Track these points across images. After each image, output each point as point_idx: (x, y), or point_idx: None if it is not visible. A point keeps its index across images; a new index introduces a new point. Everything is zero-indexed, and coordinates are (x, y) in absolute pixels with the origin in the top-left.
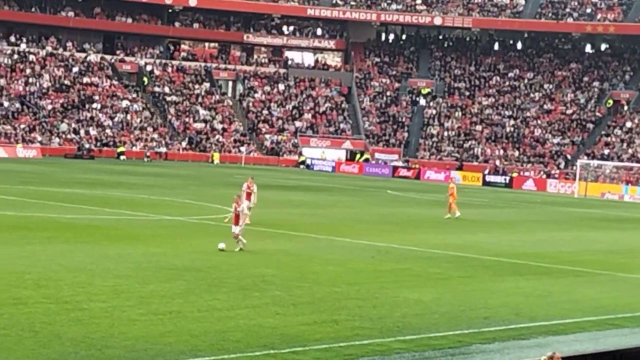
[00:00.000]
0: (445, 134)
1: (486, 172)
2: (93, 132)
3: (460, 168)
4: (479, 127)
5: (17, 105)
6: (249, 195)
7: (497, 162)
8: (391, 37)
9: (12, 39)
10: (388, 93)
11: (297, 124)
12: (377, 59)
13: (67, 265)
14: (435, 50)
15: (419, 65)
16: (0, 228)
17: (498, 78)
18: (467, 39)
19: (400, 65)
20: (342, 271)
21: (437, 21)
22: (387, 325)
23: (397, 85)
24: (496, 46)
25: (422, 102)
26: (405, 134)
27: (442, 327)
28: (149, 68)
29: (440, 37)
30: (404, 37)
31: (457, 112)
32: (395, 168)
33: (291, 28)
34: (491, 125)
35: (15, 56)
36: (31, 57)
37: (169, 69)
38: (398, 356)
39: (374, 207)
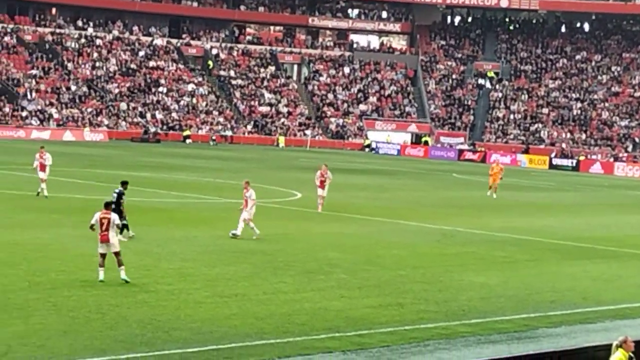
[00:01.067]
0: (512, 117)
1: (553, 155)
2: (159, 115)
3: (526, 151)
4: (545, 110)
5: (85, 89)
6: (322, 183)
7: (564, 145)
8: (457, 19)
9: (79, 23)
10: (454, 76)
11: (362, 107)
12: (443, 42)
13: (134, 248)
14: (502, 33)
15: (485, 47)
16: (68, 211)
17: (565, 60)
18: (534, 21)
19: (466, 48)
20: (407, 254)
21: (504, 3)
22: (452, 308)
23: (462, 68)
24: (563, 28)
25: (488, 85)
26: (471, 117)
27: (508, 310)
28: (214, 52)
29: (507, 19)
30: (469, 19)
31: (524, 95)
32: (461, 151)
33: (356, 11)
34: (558, 108)
35: (82, 40)
36: (98, 42)
37: (235, 53)
38: (463, 340)
39: (439, 190)
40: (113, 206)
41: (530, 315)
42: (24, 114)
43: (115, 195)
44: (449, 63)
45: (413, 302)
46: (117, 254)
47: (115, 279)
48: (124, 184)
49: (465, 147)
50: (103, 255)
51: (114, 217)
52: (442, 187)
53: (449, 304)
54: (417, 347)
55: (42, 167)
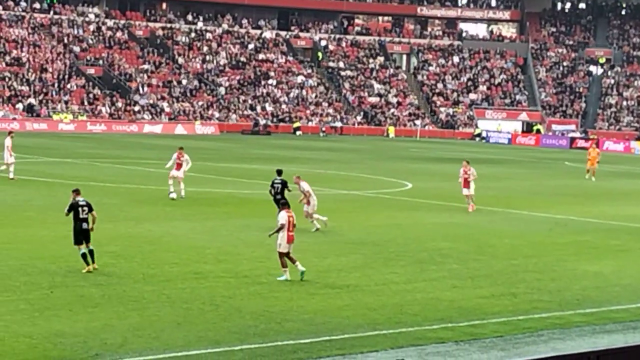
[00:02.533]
0: (624, 103)
1: None
2: (269, 108)
3: (639, 138)
4: None
5: (195, 82)
6: (179, 165)
7: None
8: (567, 5)
9: (189, 17)
10: (564, 63)
11: (472, 96)
12: (553, 29)
13: (246, 240)
14: (613, 18)
15: (596, 34)
16: (180, 204)
17: None
18: None
19: (576, 34)
20: (520, 244)
21: None
22: (566, 298)
23: (573, 55)
24: None
25: (600, 71)
26: (583, 105)
27: (624, 299)
28: (323, 43)
29: (618, 4)
30: (580, 5)
31: (636, 81)
32: (572, 139)
33: (465, 0)
34: None
35: (193, 34)
36: (208, 35)
37: (343, 44)
38: (578, 329)
39: (551, 179)
40: (279, 197)
41: None
42: (136, 108)
43: (279, 186)
44: (560, 50)
45: (526, 291)
46: (289, 253)
47: (229, 270)
48: (280, 172)
49: (577, 134)
50: (286, 255)
51: (293, 214)
52: (554, 176)
53: (562, 294)
54: (530, 337)
55: (178, 167)
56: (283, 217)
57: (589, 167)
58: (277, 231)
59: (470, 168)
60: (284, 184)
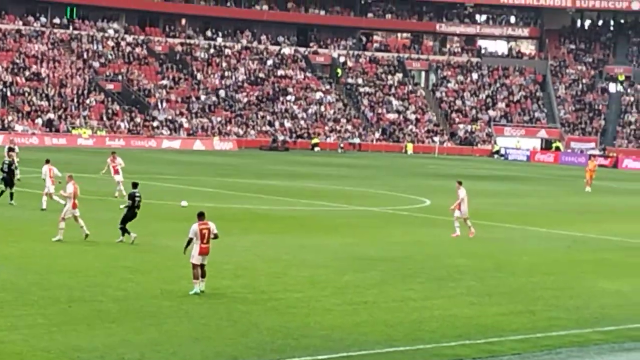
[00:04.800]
0: None
1: None
2: (287, 124)
3: None
4: None
5: (214, 98)
6: (116, 170)
7: None
8: (587, 23)
9: (209, 33)
10: (584, 80)
11: (491, 113)
12: (573, 46)
13: (263, 256)
14: (633, 36)
15: (616, 51)
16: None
17: None
18: None
19: (596, 51)
20: (538, 261)
21: (635, 6)
22: (585, 316)
23: (593, 72)
24: None
25: (620, 89)
26: (602, 122)
27: None
28: (342, 59)
29: (638, 22)
30: (600, 23)
31: None
32: (591, 157)
33: (484, 16)
34: None
35: (212, 50)
36: (227, 51)
37: (362, 60)
38: (596, 347)
39: (569, 196)
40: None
41: None
42: (155, 123)
43: (139, 199)
44: (579, 67)
45: (544, 309)
46: (204, 266)
47: (246, 286)
48: (137, 185)
49: (597, 152)
50: (198, 267)
51: (213, 226)
52: (572, 193)
53: (581, 311)
54: (548, 354)
55: (116, 171)
56: (193, 229)
57: (587, 178)
58: (187, 245)
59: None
60: (140, 197)
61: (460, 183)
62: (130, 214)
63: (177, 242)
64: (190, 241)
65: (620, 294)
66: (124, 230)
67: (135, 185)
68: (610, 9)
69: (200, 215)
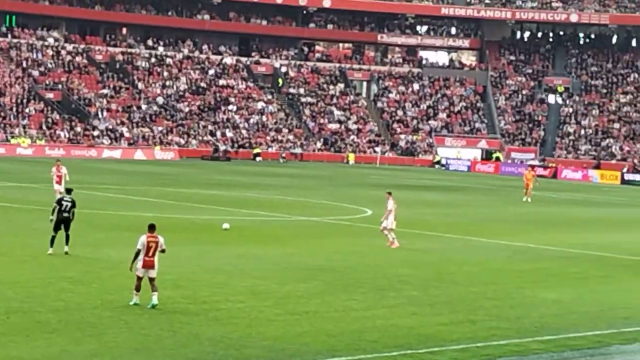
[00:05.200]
0: (582, 132)
1: (625, 170)
2: (229, 133)
3: (597, 167)
4: (616, 125)
5: (155, 108)
6: (60, 178)
7: (636, 161)
8: (526, 34)
9: (150, 42)
10: (523, 91)
11: (432, 123)
12: (512, 57)
13: (205, 266)
14: (572, 48)
15: (555, 63)
16: (139, 229)
17: (636, 75)
18: (604, 35)
19: (535, 63)
20: (479, 271)
21: (573, 18)
22: (525, 325)
23: (532, 83)
24: (634, 42)
25: (559, 100)
26: (542, 133)
27: (582, 327)
28: (283, 69)
29: (577, 34)
30: (539, 34)
31: (594, 110)
32: (531, 167)
33: (425, 27)
34: (629, 123)
35: (153, 60)
36: (168, 61)
37: (304, 70)
38: (536, 357)
39: (510, 206)
40: (66, 215)
41: (604, 332)
42: (96, 133)
43: (69, 204)
44: (519, 78)
45: (485, 318)
46: (153, 279)
47: (188, 296)
48: (70, 191)
49: (536, 162)
50: (140, 279)
51: (162, 240)
52: (512, 203)
53: (521, 321)
54: None
55: (59, 179)
56: (141, 241)
57: (526, 188)
58: (135, 257)
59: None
60: (74, 204)
61: (389, 194)
62: (59, 218)
63: (119, 252)
64: (138, 253)
65: (559, 304)
66: (52, 241)
67: (68, 191)
68: (549, 21)
69: (151, 228)
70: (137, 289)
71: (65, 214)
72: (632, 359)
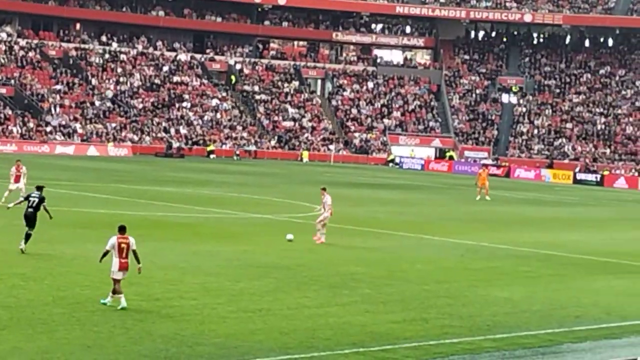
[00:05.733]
0: (535, 131)
1: (577, 170)
2: (183, 130)
3: (550, 166)
4: (569, 125)
5: (109, 104)
6: (18, 178)
7: (588, 160)
8: (480, 34)
9: (104, 38)
10: (477, 91)
11: (386, 122)
12: (467, 57)
13: (158, 263)
14: (525, 48)
15: (509, 62)
16: (92, 226)
17: (589, 75)
18: (558, 35)
19: (489, 62)
20: (432, 269)
21: (527, 18)
22: (477, 323)
23: (486, 82)
24: (587, 43)
25: (512, 99)
26: (495, 132)
27: (533, 325)
28: (238, 67)
29: (531, 34)
30: (493, 34)
31: (548, 110)
32: (484, 166)
33: (380, 26)
34: (582, 123)
35: (107, 56)
36: (122, 57)
37: (258, 68)
38: (488, 355)
39: (463, 205)
40: (31, 211)
41: (555, 330)
42: (48, 129)
43: (36, 200)
44: (473, 78)
45: (437, 317)
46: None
47: (140, 293)
48: (41, 188)
49: (489, 161)
50: (118, 282)
51: (132, 240)
52: (466, 202)
53: (473, 319)
54: None
55: (17, 179)
56: (111, 242)
57: (480, 186)
58: (103, 256)
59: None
60: (42, 200)
61: (324, 189)
62: (25, 213)
63: (72, 249)
64: (106, 253)
65: (511, 302)
66: (27, 238)
67: (38, 188)
68: (503, 20)
69: (121, 229)
70: (115, 292)
71: (30, 210)
72: (583, 357)
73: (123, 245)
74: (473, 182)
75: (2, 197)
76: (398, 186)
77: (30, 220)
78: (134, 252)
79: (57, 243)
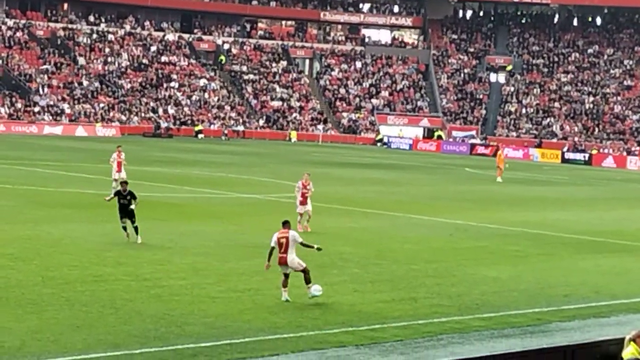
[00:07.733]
0: (524, 111)
1: (565, 149)
2: (171, 110)
3: (539, 145)
4: (557, 104)
5: (97, 84)
6: (120, 165)
7: (576, 139)
8: (469, 13)
9: (91, 18)
10: (465, 70)
11: (374, 101)
12: (455, 36)
13: (147, 243)
14: (513, 27)
15: (497, 42)
16: (80, 206)
17: (577, 54)
18: (546, 14)
19: (477, 42)
20: (420, 249)
21: None
22: (466, 302)
23: (474, 62)
24: (575, 22)
25: (501, 79)
26: (483, 112)
27: (521, 304)
28: (226, 47)
29: (519, 13)
30: (481, 13)
31: (536, 89)
32: (473, 146)
33: (368, 5)
34: (570, 102)
35: (95, 36)
36: (110, 37)
37: (246, 48)
38: (477, 334)
39: (451, 184)
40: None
41: (543, 309)
42: (36, 109)
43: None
44: (461, 57)
45: (426, 296)
46: (304, 271)
47: (129, 273)
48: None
49: (478, 141)
50: (287, 275)
51: (293, 234)
52: (454, 182)
53: (462, 298)
54: (430, 341)
55: (119, 166)
56: (273, 238)
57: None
58: (270, 254)
59: (310, 182)
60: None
61: (308, 175)
62: (120, 206)
63: (59, 229)
64: (272, 250)
65: (499, 281)
66: (125, 229)
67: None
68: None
69: (284, 224)
70: (285, 285)
71: (124, 202)
72: (571, 336)
73: (282, 240)
74: (461, 162)
75: (111, 191)
76: (386, 166)
77: (123, 212)
78: (302, 244)
79: (43, 223)
